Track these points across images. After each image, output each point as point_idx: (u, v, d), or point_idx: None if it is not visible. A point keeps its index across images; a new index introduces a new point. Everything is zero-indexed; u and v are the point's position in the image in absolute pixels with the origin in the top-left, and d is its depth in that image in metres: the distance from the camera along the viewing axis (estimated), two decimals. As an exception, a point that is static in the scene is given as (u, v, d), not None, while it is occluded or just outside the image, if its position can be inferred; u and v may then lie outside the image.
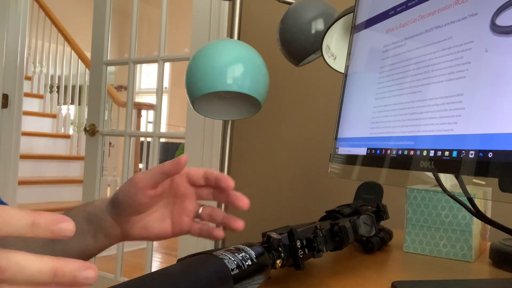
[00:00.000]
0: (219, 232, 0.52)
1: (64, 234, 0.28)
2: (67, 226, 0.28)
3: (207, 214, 0.52)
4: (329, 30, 0.98)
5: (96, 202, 0.54)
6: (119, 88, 6.80)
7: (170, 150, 5.39)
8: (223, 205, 1.15)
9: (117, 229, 0.52)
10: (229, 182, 0.48)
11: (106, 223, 0.52)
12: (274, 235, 0.49)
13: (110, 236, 0.52)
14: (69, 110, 4.64)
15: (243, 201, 0.49)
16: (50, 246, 0.53)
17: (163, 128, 6.72)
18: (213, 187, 0.51)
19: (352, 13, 0.74)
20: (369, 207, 0.69)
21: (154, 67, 2.02)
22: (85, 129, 2.16)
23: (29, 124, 4.13)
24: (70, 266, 0.28)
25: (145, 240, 0.53)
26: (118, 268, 2.05)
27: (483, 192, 0.69)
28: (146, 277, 0.36)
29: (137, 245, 3.48)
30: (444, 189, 0.54)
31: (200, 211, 0.53)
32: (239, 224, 0.49)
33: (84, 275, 0.28)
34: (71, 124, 4.71)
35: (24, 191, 3.41)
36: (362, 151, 0.60)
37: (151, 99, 6.04)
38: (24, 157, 3.51)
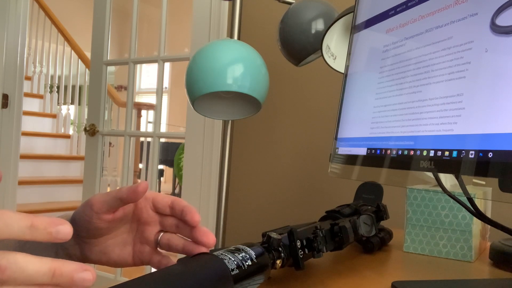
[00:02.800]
0: None
1: (61, 237, 0.28)
2: (65, 229, 0.28)
3: (165, 243, 0.48)
4: (329, 30, 0.98)
5: (63, 217, 0.51)
6: (119, 88, 6.80)
7: (170, 150, 5.40)
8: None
9: (77, 250, 0.49)
10: (195, 217, 0.45)
11: (68, 243, 0.49)
12: (274, 235, 0.49)
13: (71, 256, 0.49)
14: (69, 110, 4.64)
15: (208, 237, 0.45)
16: None
17: (163, 128, 6.73)
18: (179, 218, 0.47)
19: (352, 13, 0.74)
20: (369, 207, 0.69)
21: (154, 67, 2.02)
22: (85, 129, 2.16)
23: (29, 124, 4.13)
24: (68, 268, 0.28)
25: (104, 265, 0.49)
26: (118, 268, 2.05)
27: (483, 192, 0.69)
28: (146, 277, 0.36)
29: (137, 245, 3.48)
30: (444, 189, 0.54)
31: (159, 238, 0.48)
32: (209, 239, 0.45)
33: (81, 276, 0.28)
34: (71, 124, 4.71)
35: (24, 191, 3.41)
36: (362, 151, 0.60)
37: (151, 99, 6.04)
38: (24, 157, 3.51)
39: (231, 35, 1.27)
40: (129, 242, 0.49)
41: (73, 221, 0.47)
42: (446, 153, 0.46)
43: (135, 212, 0.48)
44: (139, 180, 4.08)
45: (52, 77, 4.69)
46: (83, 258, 0.49)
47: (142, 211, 0.48)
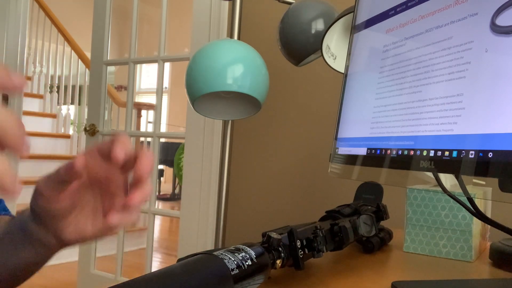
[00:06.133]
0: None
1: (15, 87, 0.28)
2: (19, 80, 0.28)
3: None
4: (329, 30, 0.98)
5: (25, 212, 0.49)
6: (119, 88, 6.80)
7: (170, 150, 5.40)
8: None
9: (51, 238, 0.46)
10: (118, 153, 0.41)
11: (38, 233, 0.46)
12: (274, 235, 0.49)
13: (47, 245, 0.47)
14: (69, 110, 4.64)
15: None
16: None
17: (163, 128, 6.73)
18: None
19: (352, 13, 0.74)
20: (369, 207, 0.69)
21: (154, 67, 2.02)
22: (85, 129, 2.16)
23: (29, 124, 4.13)
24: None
25: (86, 242, 0.47)
26: (118, 268, 2.05)
27: (483, 192, 0.69)
28: (146, 277, 0.36)
29: (137, 245, 3.48)
30: (444, 189, 0.54)
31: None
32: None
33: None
34: (71, 124, 4.71)
35: (24, 191, 3.40)
36: (362, 151, 0.60)
37: (151, 99, 6.04)
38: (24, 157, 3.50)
39: (231, 35, 1.27)
40: (98, 208, 0.46)
41: (34, 212, 0.45)
42: (446, 153, 0.46)
43: (90, 175, 0.45)
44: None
45: (52, 77, 4.69)
46: (61, 243, 0.47)
47: (95, 170, 0.45)
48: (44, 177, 0.43)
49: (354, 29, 0.68)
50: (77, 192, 0.45)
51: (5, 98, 2.61)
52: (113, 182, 0.45)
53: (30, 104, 4.35)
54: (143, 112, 4.78)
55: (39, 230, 0.46)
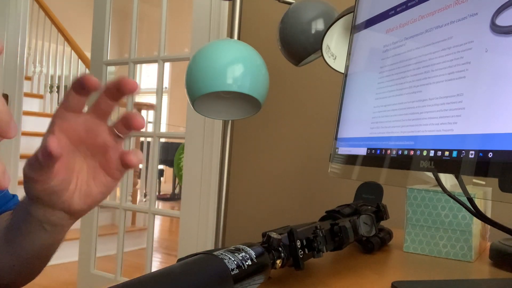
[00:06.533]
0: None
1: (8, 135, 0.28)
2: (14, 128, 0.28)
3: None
4: (329, 30, 0.98)
5: (24, 201, 0.47)
6: (119, 88, 6.79)
7: (170, 150, 5.40)
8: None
9: (60, 214, 0.44)
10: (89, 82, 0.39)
11: (45, 215, 0.44)
12: (274, 235, 0.49)
13: (58, 223, 0.45)
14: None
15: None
16: (8, 245, 0.49)
17: (163, 128, 6.73)
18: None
19: (352, 13, 0.74)
20: (369, 207, 0.69)
21: (154, 67, 2.02)
22: (85, 129, 2.15)
23: (29, 124, 4.13)
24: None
25: (95, 205, 0.45)
26: (118, 268, 2.05)
27: (483, 192, 0.69)
28: (146, 277, 0.36)
29: (137, 245, 3.48)
30: (444, 189, 0.54)
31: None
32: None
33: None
34: (71, 124, 4.69)
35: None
36: (362, 151, 0.60)
37: (151, 99, 6.04)
38: (24, 157, 3.50)
39: (231, 35, 1.27)
40: (96, 166, 0.44)
41: (31, 197, 0.43)
42: (446, 153, 0.46)
43: (71, 137, 0.42)
44: (139, 181, 4.07)
45: (52, 77, 4.69)
46: (73, 215, 0.45)
47: (74, 128, 0.42)
48: (27, 163, 0.41)
49: (354, 29, 0.68)
50: (66, 161, 0.42)
51: (5, 98, 2.61)
52: (97, 133, 0.43)
53: (30, 104, 4.35)
54: (143, 112, 4.78)
55: (45, 212, 0.44)
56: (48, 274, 2.81)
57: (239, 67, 1.04)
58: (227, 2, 1.67)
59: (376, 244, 0.71)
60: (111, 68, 2.17)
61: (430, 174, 0.51)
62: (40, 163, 0.39)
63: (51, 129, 0.41)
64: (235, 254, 0.42)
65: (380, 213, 0.69)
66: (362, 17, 0.67)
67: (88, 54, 2.55)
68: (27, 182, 0.42)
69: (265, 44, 1.49)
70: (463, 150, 0.44)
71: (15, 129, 0.28)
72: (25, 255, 0.49)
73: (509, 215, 0.73)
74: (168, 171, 6.92)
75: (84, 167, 0.44)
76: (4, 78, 2.61)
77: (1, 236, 0.50)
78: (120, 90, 0.41)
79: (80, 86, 0.39)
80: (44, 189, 0.42)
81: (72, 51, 4.38)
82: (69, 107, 0.41)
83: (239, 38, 1.27)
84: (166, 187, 6.91)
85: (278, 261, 0.48)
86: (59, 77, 4.66)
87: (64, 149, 0.41)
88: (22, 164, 2.83)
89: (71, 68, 4.60)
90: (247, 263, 0.42)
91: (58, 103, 4.64)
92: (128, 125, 0.43)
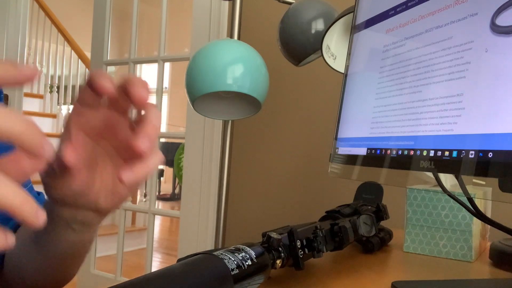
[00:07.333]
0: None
1: (43, 157, 0.27)
2: (48, 148, 0.27)
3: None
4: (329, 30, 0.98)
5: (48, 202, 0.44)
6: (119, 88, 6.79)
7: (170, 150, 5.40)
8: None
9: (87, 212, 0.42)
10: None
11: (71, 216, 0.42)
12: (274, 235, 0.49)
13: (85, 221, 0.43)
14: (69, 110, 4.64)
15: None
16: (36, 246, 0.48)
17: (163, 128, 6.73)
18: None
19: (352, 13, 0.74)
20: (369, 207, 0.69)
21: (154, 67, 2.02)
22: (85, 129, 2.15)
23: (29, 124, 4.12)
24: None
25: (125, 200, 0.43)
26: (118, 268, 2.05)
27: (483, 192, 0.69)
28: (146, 277, 0.36)
29: (137, 245, 3.48)
30: (444, 189, 0.54)
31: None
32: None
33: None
34: (71, 124, 4.70)
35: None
36: (362, 151, 0.60)
37: (151, 99, 6.03)
38: (24, 157, 3.50)
39: (231, 35, 1.27)
40: (119, 159, 0.41)
41: (55, 200, 0.41)
42: (446, 153, 0.46)
43: (88, 133, 0.40)
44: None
45: (52, 77, 4.69)
46: (101, 214, 0.43)
47: (91, 125, 0.39)
48: (43, 173, 0.39)
49: (354, 29, 0.68)
50: (87, 161, 0.39)
51: (5, 98, 2.62)
52: (118, 128, 0.40)
53: (30, 104, 4.35)
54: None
55: (71, 213, 0.42)
56: (48, 274, 2.80)
57: (239, 67, 1.04)
58: (227, 2, 1.67)
59: (376, 244, 0.71)
60: (111, 68, 2.17)
61: (430, 174, 0.51)
62: (56, 172, 0.38)
63: (67, 126, 0.39)
64: (235, 254, 0.42)
65: (380, 213, 0.69)
66: (362, 17, 0.67)
67: (88, 54, 2.55)
68: (47, 187, 0.41)
69: (265, 44, 1.49)
70: (463, 150, 0.44)
71: (49, 150, 0.27)
72: (54, 255, 0.47)
73: (509, 215, 0.73)
74: (168, 171, 6.92)
75: (107, 164, 0.41)
76: (4, 78, 2.61)
77: (29, 236, 0.49)
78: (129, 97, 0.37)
79: (93, 87, 0.37)
80: (66, 194, 0.40)
81: (72, 51, 4.38)
82: (85, 103, 0.39)
83: (239, 38, 1.27)
84: (166, 187, 6.91)
85: (278, 261, 0.48)
86: (59, 77, 4.67)
87: (83, 150, 0.39)
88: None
89: (71, 68, 4.60)
90: (247, 263, 0.42)
91: (58, 103, 4.64)
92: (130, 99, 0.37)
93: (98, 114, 0.39)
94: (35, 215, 0.26)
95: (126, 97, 0.37)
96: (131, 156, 0.39)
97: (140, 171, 0.37)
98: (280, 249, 0.49)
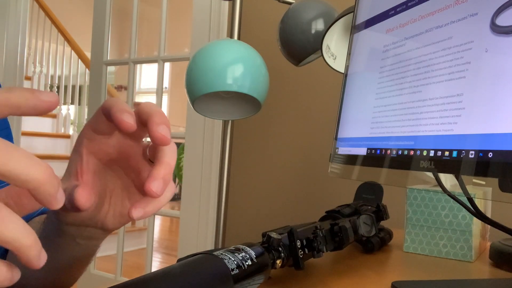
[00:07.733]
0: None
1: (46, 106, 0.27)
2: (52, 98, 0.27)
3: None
4: (329, 30, 0.98)
5: (53, 218, 0.44)
6: (119, 88, 6.80)
7: (170, 150, 5.39)
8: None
9: (93, 231, 0.43)
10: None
11: (77, 233, 0.43)
12: (274, 235, 0.49)
13: (91, 236, 0.43)
14: (69, 110, 4.64)
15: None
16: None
17: (163, 128, 6.71)
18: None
19: (352, 13, 0.74)
20: (369, 207, 0.69)
21: (154, 67, 2.02)
22: (85, 129, 2.15)
23: (29, 124, 4.13)
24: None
25: (130, 221, 0.42)
26: (118, 268, 2.05)
27: (483, 192, 0.69)
28: (146, 277, 0.36)
29: (137, 245, 3.48)
30: (444, 189, 0.54)
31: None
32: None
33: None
34: (71, 124, 4.71)
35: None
36: (362, 151, 0.60)
37: (151, 99, 6.04)
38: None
39: (231, 35, 1.27)
40: (129, 184, 0.41)
41: (62, 220, 0.41)
42: (446, 153, 0.46)
43: (101, 158, 0.39)
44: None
45: (52, 77, 4.69)
46: (108, 231, 0.43)
47: (104, 151, 0.38)
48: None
49: (354, 29, 0.68)
50: (97, 186, 0.39)
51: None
52: (130, 155, 0.39)
53: (30, 104, 4.34)
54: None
55: (77, 229, 0.42)
56: (48, 274, 2.80)
57: (239, 67, 1.04)
58: (227, 2, 1.67)
59: (376, 244, 0.71)
60: (111, 68, 2.17)
61: (430, 174, 0.51)
62: (67, 208, 0.36)
63: (78, 150, 0.38)
64: (235, 254, 0.42)
65: (380, 213, 0.69)
66: (362, 17, 0.67)
67: (88, 54, 2.55)
68: (54, 211, 0.41)
69: (265, 44, 1.49)
70: (463, 150, 0.44)
71: (61, 199, 0.26)
72: (58, 266, 0.47)
73: (509, 215, 0.73)
74: (168, 171, 6.91)
75: (117, 186, 0.41)
76: (4, 78, 2.61)
77: None
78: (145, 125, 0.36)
79: (110, 118, 0.35)
80: (75, 219, 0.40)
81: (72, 51, 4.38)
82: (98, 130, 0.37)
83: (239, 38, 1.27)
84: (166, 187, 6.90)
85: (278, 261, 0.48)
86: (59, 77, 4.67)
87: (95, 186, 0.39)
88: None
89: (71, 68, 4.60)
90: (247, 263, 0.42)
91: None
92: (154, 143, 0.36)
93: (111, 141, 0.38)
94: (38, 258, 0.26)
95: (144, 128, 0.35)
96: (140, 180, 0.39)
97: (150, 209, 0.36)
98: (280, 249, 0.49)
